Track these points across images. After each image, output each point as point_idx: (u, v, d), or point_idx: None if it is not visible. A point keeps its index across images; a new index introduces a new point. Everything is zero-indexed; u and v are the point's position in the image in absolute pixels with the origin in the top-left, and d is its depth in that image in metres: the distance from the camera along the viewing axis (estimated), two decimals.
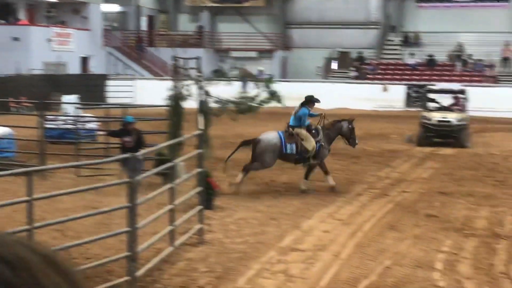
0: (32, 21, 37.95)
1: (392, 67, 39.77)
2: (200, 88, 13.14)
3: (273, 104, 13.96)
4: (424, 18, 41.90)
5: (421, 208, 12.31)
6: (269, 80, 13.69)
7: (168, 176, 9.99)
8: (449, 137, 21.83)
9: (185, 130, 13.06)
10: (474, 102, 24.08)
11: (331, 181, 13.83)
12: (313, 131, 13.84)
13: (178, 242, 9.06)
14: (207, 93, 13.01)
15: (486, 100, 29.85)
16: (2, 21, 36.39)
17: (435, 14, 41.86)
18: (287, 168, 16.58)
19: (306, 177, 13.94)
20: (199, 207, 9.72)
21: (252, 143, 14.01)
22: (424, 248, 9.60)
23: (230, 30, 44.00)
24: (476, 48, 39.32)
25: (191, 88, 13.32)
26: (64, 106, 24.35)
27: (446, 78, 35.72)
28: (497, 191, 14.17)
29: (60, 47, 37.02)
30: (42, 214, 9.22)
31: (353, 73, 39.41)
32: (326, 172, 13.94)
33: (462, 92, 23.30)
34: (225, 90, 13.83)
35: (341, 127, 14.25)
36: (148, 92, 30.53)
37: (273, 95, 13.51)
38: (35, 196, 6.96)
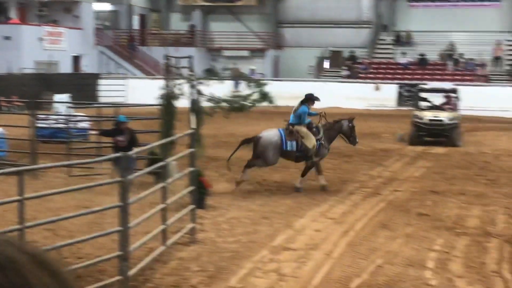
0: (23, 20, 37.82)
1: (384, 66, 39.84)
2: (192, 87, 13.13)
3: (265, 104, 13.97)
4: (415, 18, 41.99)
5: (413, 207, 12.34)
6: (259, 83, 13.67)
7: (160, 175, 9.98)
8: (441, 136, 21.89)
9: (177, 129, 13.05)
10: (466, 101, 24.14)
11: (322, 180, 13.84)
12: (314, 130, 13.86)
13: (170, 241, 9.05)
14: (199, 92, 13.00)
15: (477, 99, 29.95)
16: None
17: (427, 13, 41.95)
18: (279, 167, 16.58)
19: (303, 175, 13.95)
20: (191, 206, 9.71)
21: (252, 141, 14.02)
22: (416, 247, 9.62)
23: (222, 29, 43.98)
24: (467, 47, 39.44)
25: (183, 87, 13.31)
26: (55, 105, 24.27)
27: (438, 77, 35.82)
28: (489, 190, 14.22)
29: (51, 46, 36.90)
30: (33, 213, 9.19)
31: (345, 72, 39.47)
32: (319, 172, 13.96)
33: (453, 91, 23.37)
34: (218, 89, 13.84)
35: (342, 126, 14.29)
36: (140, 91, 30.48)
37: (265, 96, 13.51)
38: (26, 195, 6.93)
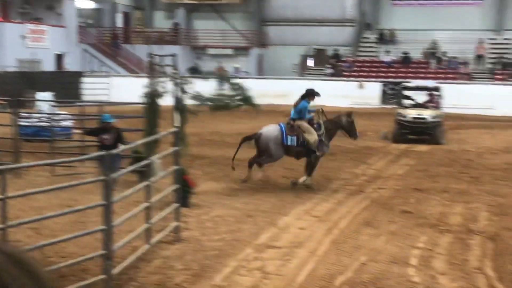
0: (5, 18, 37.51)
1: (368, 64, 39.99)
2: (176, 85, 13.09)
3: (248, 107, 13.94)
4: (399, 16, 42.17)
5: (397, 205, 12.41)
6: (242, 87, 13.62)
7: (144, 173, 9.95)
8: (424, 134, 22.03)
9: (161, 128, 13.01)
10: (449, 99, 24.33)
11: (309, 180, 13.86)
12: (315, 126, 13.90)
13: (154, 240, 9.03)
14: (183, 90, 12.97)
15: (460, 97, 30.17)
16: None
17: (410, 11, 42.15)
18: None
19: (309, 174, 13.96)
20: (175, 205, 9.70)
21: (253, 138, 14.05)
22: (399, 244, 9.68)
23: (206, 27, 43.91)
24: (450, 45, 39.69)
25: (167, 85, 13.27)
26: (38, 103, 24.11)
27: (421, 75, 36.04)
28: (471, 187, 14.32)
29: (34, 44, 36.66)
30: (16, 212, 9.13)
31: (329, 70, 39.56)
32: (310, 172, 13.97)
33: (436, 89, 23.51)
34: (202, 87, 13.80)
35: (341, 122, 14.34)
36: (123, 89, 30.39)
37: (247, 100, 13.49)
38: (9, 194, 6.89)
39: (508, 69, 37.48)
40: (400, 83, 29.09)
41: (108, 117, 13.24)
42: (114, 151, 8.83)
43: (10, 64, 33.57)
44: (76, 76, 36.14)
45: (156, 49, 31.67)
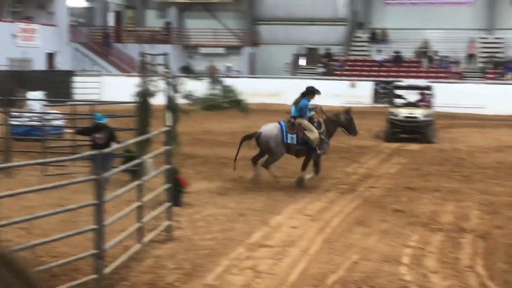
0: None
1: (360, 63, 40.05)
2: (168, 84, 13.07)
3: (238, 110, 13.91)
4: (391, 15, 42.26)
5: (388, 203, 12.43)
6: (232, 90, 13.59)
7: (136, 173, 9.93)
8: (416, 133, 22.08)
9: (153, 127, 12.99)
10: (440, 98, 24.39)
11: (307, 176, 13.90)
12: (315, 124, 13.93)
13: (146, 239, 9.02)
14: (175, 90, 12.95)
15: (452, 96, 30.24)
16: None
17: (402, 11, 42.24)
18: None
19: (317, 172, 14.05)
20: (167, 204, 9.68)
21: (253, 137, 14.07)
22: (391, 243, 9.70)
23: (198, 26, 43.86)
24: (442, 44, 39.81)
25: (159, 84, 13.24)
26: (29, 102, 24.03)
27: (413, 74, 36.12)
28: (463, 186, 14.37)
29: (25, 42, 36.52)
30: (7, 212, 9.09)
31: (321, 69, 39.59)
32: (304, 168, 14.02)
33: (428, 88, 23.57)
34: (195, 86, 13.77)
35: (340, 119, 14.37)
36: (115, 88, 30.32)
37: (239, 104, 13.46)
38: (0, 193, 6.86)
39: (499, 68, 37.62)
40: (392, 82, 29.14)
41: (101, 117, 13.21)
42: (106, 150, 8.80)
43: (1, 63, 33.41)
44: (68, 75, 36.03)
45: (148, 48, 31.63)
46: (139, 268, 8.31)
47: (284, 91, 35.24)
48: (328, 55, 41.03)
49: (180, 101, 13.09)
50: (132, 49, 39.25)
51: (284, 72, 40.89)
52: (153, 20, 45.57)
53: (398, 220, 11.10)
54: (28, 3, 39.11)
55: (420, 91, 23.55)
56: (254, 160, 14.08)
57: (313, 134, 13.71)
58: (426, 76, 34.06)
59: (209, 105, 13.47)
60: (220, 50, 43.22)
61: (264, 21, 44.22)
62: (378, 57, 39.74)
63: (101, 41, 42.75)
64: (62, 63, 39.12)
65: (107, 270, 7.58)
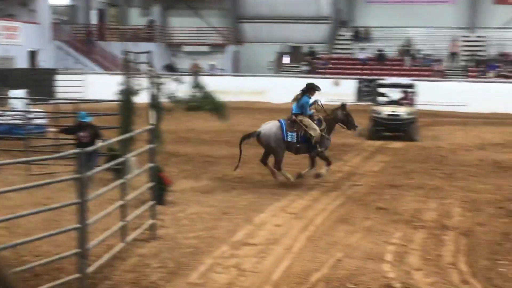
0: None
1: (343, 61, 40.14)
2: (152, 82, 13.02)
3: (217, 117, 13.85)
4: (374, 13, 42.41)
5: (372, 201, 12.49)
6: (209, 96, 13.55)
7: (119, 171, 9.89)
8: (399, 131, 22.19)
9: (137, 125, 12.95)
10: (423, 96, 24.51)
11: (324, 170, 14.09)
12: (316, 122, 13.98)
13: (129, 238, 8.99)
14: (158, 88, 12.91)
15: (434, 94, 30.41)
16: None
17: (385, 9, 42.41)
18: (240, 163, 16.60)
19: (329, 164, 14.22)
20: (151, 202, 9.66)
21: (251, 137, 14.10)
22: (374, 240, 9.75)
23: (181, 25, 43.74)
24: (424, 43, 40.03)
25: (142, 82, 13.20)
26: (11, 101, 23.84)
27: (396, 72, 36.22)
28: (445, 183, 14.47)
29: (7, 40, 36.22)
30: None
31: (304, 68, 39.65)
32: (313, 165, 14.13)
33: (411, 86, 23.68)
34: (177, 86, 13.71)
35: (337, 115, 14.43)
36: (98, 86, 30.16)
37: (218, 110, 13.41)
38: None
39: (481, 67, 37.89)
40: (375, 80, 29.24)
41: (84, 115, 13.15)
42: (91, 148, 8.76)
43: None
44: (50, 73, 35.76)
45: (131, 46, 31.46)
46: (123, 267, 8.29)
47: (268, 89, 35.31)
48: (312, 53, 41.10)
49: (164, 99, 13.05)
50: (116, 47, 39.07)
51: (268, 70, 40.91)
52: (136, 18, 45.39)
53: (381, 218, 11.16)
54: (10, 1, 38.79)
55: (403, 89, 23.65)
56: (264, 161, 14.12)
57: (315, 131, 13.80)
58: (409, 74, 34.17)
59: (191, 106, 13.44)
60: (204, 48, 43.14)
61: (247, 19, 44.20)
62: (362, 55, 39.87)
63: (84, 39, 42.51)
64: (45, 61, 38.85)
65: (91, 269, 7.55)
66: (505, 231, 10.44)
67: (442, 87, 33.20)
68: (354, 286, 7.82)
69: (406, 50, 39.85)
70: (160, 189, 10.81)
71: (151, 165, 9.57)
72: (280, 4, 42.90)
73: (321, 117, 14.22)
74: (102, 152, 13.21)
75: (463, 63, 39.16)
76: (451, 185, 14.28)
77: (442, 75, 37.51)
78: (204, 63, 40.66)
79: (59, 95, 31.05)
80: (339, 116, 14.45)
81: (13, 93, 24.47)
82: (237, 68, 43.28)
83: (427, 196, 13.10)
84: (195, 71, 37.46)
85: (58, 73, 35.75)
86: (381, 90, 24.11)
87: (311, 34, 42.46)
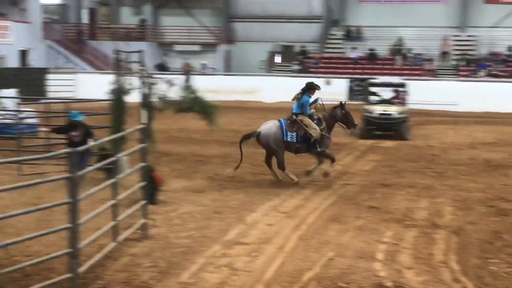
0: None
1: (335, 60, 40.18)
2: (143, 82, 13.00)
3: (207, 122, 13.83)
4: (365, 13, 42.47)
5: (363, 200, 12.52)
6: (200, 99, 13.52)
7: (111, 171, 9.87)
8: (390, 130, 22.23)
9: (128, 125, 12.93)
10: (414, 95, 24.56)
11: (326, 168, 14.15)
12: (316, 122, 13.99)
13: (121, 237, 8.98)
14: (149, 88, 12.89)
15: (425, 93, 30.47)
16: None
17: (376, 8, 42.48)
18: (230, 161, 16.61)
19: (333, 161, 14.31)
20: (142, 202, 9.65)
21: (251, 137, 14.11)
22: (366, 239, 9.77)
23: (173, 24, 43.67)
24: (415, 42, 40.12)
25: (133, 82, 13.18)
26: (2, 100, 23.74)
27: (387, 71, 36.28)
28: (436, 182, 14.51)
29: None
30: None
31: (296, 67, 39.68)
32: (332, 160, 14.25)
33: (402, 85, 23.73)
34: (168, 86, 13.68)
35: (336, 114, 14.45)
36: (89, 86, 30.08)
37: (208, 113, 13.39)
38: None
39: (472, 66, 38.02)
40: (366, 79, 29.29)
41: (76, 114, 13.12)
42: (83, 147, 8.73)
43: None
44: (41, 72, 35.63)
45: (123, 45, 31.41)
46: (114, 267, 8.28)
47: (259, 88, 35.32)
48: (303, 53, 41.13)
49: (155, 99, 13.03)
50: (107, 46, 38.97)
51: (260, 70, 40.91)
52: (128, 17, 45.29)
53: (373, 217, 11.19)
54: (1, 0, 38.63)
55: (394, 88, 23.71)
56: (267, 163, 14.14)
57: (315, 131, 13.84)
58: (400, 74, 34.22)
59: (181, 108, 13.42)
60: (196, 48, 43.09)
61: (239, 19, 44.18)
62: (353, 55, 39.92)
63: (75, 38, 42.38)
64: (36, 61, 38.71)
65: (82, 269, 7.54)
66: (496, 230, 10.48)
67: (433, 86, 33.28)
68: (345, 285, 7.84)
69: (398, 50, 39.93)
70: (151, 189, 10.80)
71: (142, 164, 9.56)
72: (272, 4, 42.92)
73: (321, 116, 14.25)
74: (94, 151, 13.18)
75: (454, 62, 39.27)
76: (442, 184, 14.32)
77: (433, 74, 37.60)
78: (195, 62, 40.61)
79: (50, 95, 30.98)
80: (338, 115, 14.48)
81: (4, 92, 24.36)
82: (229, 68, 43.26)
83: (418, 195, 13.14)
84: (187, 71, 37.40)
85: (49, 73, 35.62)
86: (373, 89, 24.15)
87: (302, 34, 42.50)
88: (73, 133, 12.88)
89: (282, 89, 34.59)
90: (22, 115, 17.14)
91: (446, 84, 34.28)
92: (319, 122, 14.12)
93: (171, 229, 10.12)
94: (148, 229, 9.69)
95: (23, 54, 38.36)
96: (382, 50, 40.00)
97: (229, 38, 44.03)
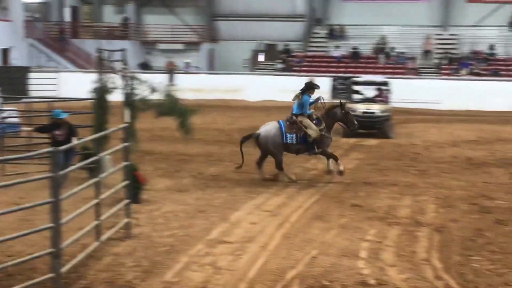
0: None
1: (318, 59, 40.25)
2: (126, 80, 12.96)
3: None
4: (348, 11, 42.57)
5: (347, 198, 12.56)
6: (180, 109, 13.49)
7: (94, 170, 9.82)
8: (373, 128, 22.31)
9: (111, 124, 12.88)
10: (397, 94, 24.68)
11: (341, 167, 14.17)
12: (315, 122, 14.01)
13: (104, 237, 8.94)
14: (132, 86, 12.84)
15: (408, 92, 30.61)
16: None
17: (359, 7, 42.60)
18: (214, 161, 16.63)
19: (336, 159, 14.31)
20: (126, 201, 9.61)
21: (251, 138, 14.10)
22: (349, 237, 9.81)
23: (156, 22, 43.52)
24: (398, 41, 40.29)
25: (116, 80, 13.12)
26: None
27: (370, 70, 36.45)
28: (419, 180, 14.59)
29: None
30: None
31: (279, 65, 39.71)
32: (334, 159, 14.28)
33: (385, 84, 23.83)
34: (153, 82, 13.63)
35: (336, 114, 14.48)
36: (72, 85, 29.88)
37: (184, 125, 13.36)
38: None
39: (454, 64, 38.25)
40: (349, 78, 29.38)
41: (59, 113, 13.04)
42: (64, 147, 8.68)
43: None
44: (23, 71, 35.34)
45: (105, 44, 31.25)
46: (97, 266, 8.25)
47: (243, 87, 35.29)
48: (287, 51, 41.16)
49: (137, 99, 12.98)
50: (89, 45, 38.72)
51: (243, 68, 40.88)
52: (110, 16, 45.06)
53: (356, 215, 11.23)
54: None
55: (378, 87, 23.80)
56: (259, 164, 14.15)
57: (315, 132, 13.88)
58: (383, 72, 34.37)
59: (161, 112, 13.38)
60: (179, 46, 42.97)
61: (222, 17, 44.12)
62: (336, 53, 40.02)
63: (57, 37, 42.10)
64: (17, 59, 38.40)
65: (65, 268, 7.50)
66: (478, 227, 10.56)
67: (415, 84, 33.44)
68: (329, 283, 7.86)
69: (381, 48, 40.09)
70: (135, 188, 10.77)
71: (126, 163, 9.53)
72: (255, 2, 42.91)
73: (320, 116, 14.28)
74: (77, 150, 13.11)
75: (436, 61, 39.50)
76: (425, 182, 14.41)
77: (416, 72, 37.79)
78: (179, 61, 40.51)
79: (32, 94, 30.74)
80: (338, 115, 14.52)
81: None
82: (212, 66, 43.20)
83: (401, 193, 13.21)
84: (170, 69, 37.31)
85: (31, 71, 35.34)
86: (356, 87, 24.24)
87: (286, 32, 42.53)
88: (57, 132, 12.80)
89: (266, 87, 34.74)
90: (4, 115, 17.00)
91: (429, 82, 34.48)
92: (318, 122, 14.15)
93: (155, 228, 10.10)
94: (131, 228, 9.65)
95: (5, 52, 38.04)
96: (365, 48, 40.13)
97: (213, 36, 43.96)
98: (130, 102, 12.86)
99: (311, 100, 14.25)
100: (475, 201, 12.45)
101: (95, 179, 8.75)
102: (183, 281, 7.85)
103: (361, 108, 22.49)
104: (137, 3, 44.68)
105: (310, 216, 11.12)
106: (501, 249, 9.38)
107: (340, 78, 34.78)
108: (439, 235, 10.07)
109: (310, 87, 14.22)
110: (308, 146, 14.10)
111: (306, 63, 39.63)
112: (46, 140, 13.71)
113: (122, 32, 43.13)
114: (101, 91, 13.21)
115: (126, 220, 9.57)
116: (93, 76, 13.60)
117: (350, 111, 14.70)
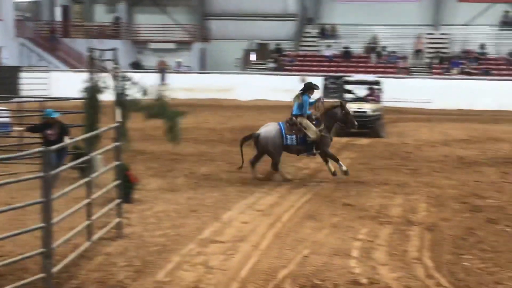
0: None
1: (310, 58, 40.31)
2: (117, 80, 12.93)
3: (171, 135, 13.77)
4: (340, 11, 42.64)
5: (338, 198, 12.57)
6: (170, 113, 13.46)
7: (85, 169, 9.79)
8: (365, 127, 22.32)
9: (103, 123, 12.84)
10: (388, 93, 24.74)
11: (343, 167, 14.16)
12: (314, 122, 14.01)
13: (95, 236, 8.92)
14: (123, 88, 12.82)
15: (399, 91, 30.69)
16: None
17: (351, 7, 42.67)
18: (206, 160, 16.62)
19: (337, 160, 14.30)
20: (117, 201, 9.59)
21: (251, 138, 14.09)
22: (341, 236, 9.82)
23: (148, 22, 43.45)
24: (390, 40, 40.40)
25: (107, 80, 13.09)
26: None
27: (362, 69, 36.55)
28: (411, 179, 14.62)
29: None
30: None
31: (271, 65, 39.73)
32: (334, 159, 14.27)
33: (376, 83, 23.89)
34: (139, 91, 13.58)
35: (336, 114, 14.49)
36: (63, 84, 29.81)
37: (172, 130, 13.36)
38: None
39: (445, 64, 38.38)
40: (341, 77, 29.43)
41: (51, 112, 13.00)
42: (54, 147, 8.66)
43: None
44: (14, 70, 35.19)
45: (97, 43, 31.19)
46: (89, 266, 8.22)
47: (234, 86, 35.29)
48: (278, 51, 41.19)
49: (128, 99, 12.96)
50: (80, 44, 38.64)
51: (235, 68, 40.89)
52: (101, 15, 44.96)
53: (347, 214, 11.24)
54: None
55: (369, 86, 23.85)
56: (252, 163, 14.15)
57: (314, 133, 13.89)
58: (375, 71, 34.48)
59: (151, 114, 13.37)
60: (171, 46, 42.93)
61: (214, 17, 44.11)
62: (328, 53, 40.07)
63: (48, 36, 41.96)
64: (8, 59, 38.24)
65: (56, 268, 7.47)
66: (469, 226, 10.59)
67: (407, 84, 33.54)
68: (321, 282, 7.87)
69: (372, 47, 40.18)
70: (126, 187, 10.75)
71: (117, 163, 9.51)
72: (247, 2, 42.92)
73: (320, 116, 14.29)
74: (68, 150, 13.07)
75: (427, 60, 39.63)
76: (416, 181, 14.44)
77: (407, 72, 37.89)
78: (170, 60, 40.46)
79: (23, 93, 30.63)
80: (338, 115, 14.53)
81: None
82: (204, 66, 43.17)
83: (393, 192, 13.23)
84: (162, 69, 37.26)
85: (22, 71, 35.20)
86: (347, 87, 24.27)
87: (277, 32, 42.55)
88: (49, 132, 12.76)
89: (258, 87, 34.76)
90: None
91: (420, 81, 34.60)
92: (318, 122, 14.17)
93: (146, 228, 10.08)
94: (123, 228, 9.64)
95: None
96: (357, 48, 40.23)
97: (204, 36, 43.93)
98: (122, 101, 12.83)
99: (310, 101, 14.25)
100: (467, 200, 12.49)
101: (86, 179, 8.72)
102: (175, 280, 7.84)
103: (352, 107, 22.44)
104: (129, 2, 44.60)
105: (302, 216, 11.13)
106: (492, 247, 9.41)
107: (332, 78, 34.84)
108: (430, 234, 10.09)
109: (309, 87, 14.25)
110: (307, 147, 14.12)
111: (297, 63, 39.68)
112: (38, 140, 13.66)
113: (114, 31, 43.04)
114: (93, 90, 13.19)
115: (117, 219, 9.55)
116: (84, 76, 13.57)
117: (349, 111, 14.70)
